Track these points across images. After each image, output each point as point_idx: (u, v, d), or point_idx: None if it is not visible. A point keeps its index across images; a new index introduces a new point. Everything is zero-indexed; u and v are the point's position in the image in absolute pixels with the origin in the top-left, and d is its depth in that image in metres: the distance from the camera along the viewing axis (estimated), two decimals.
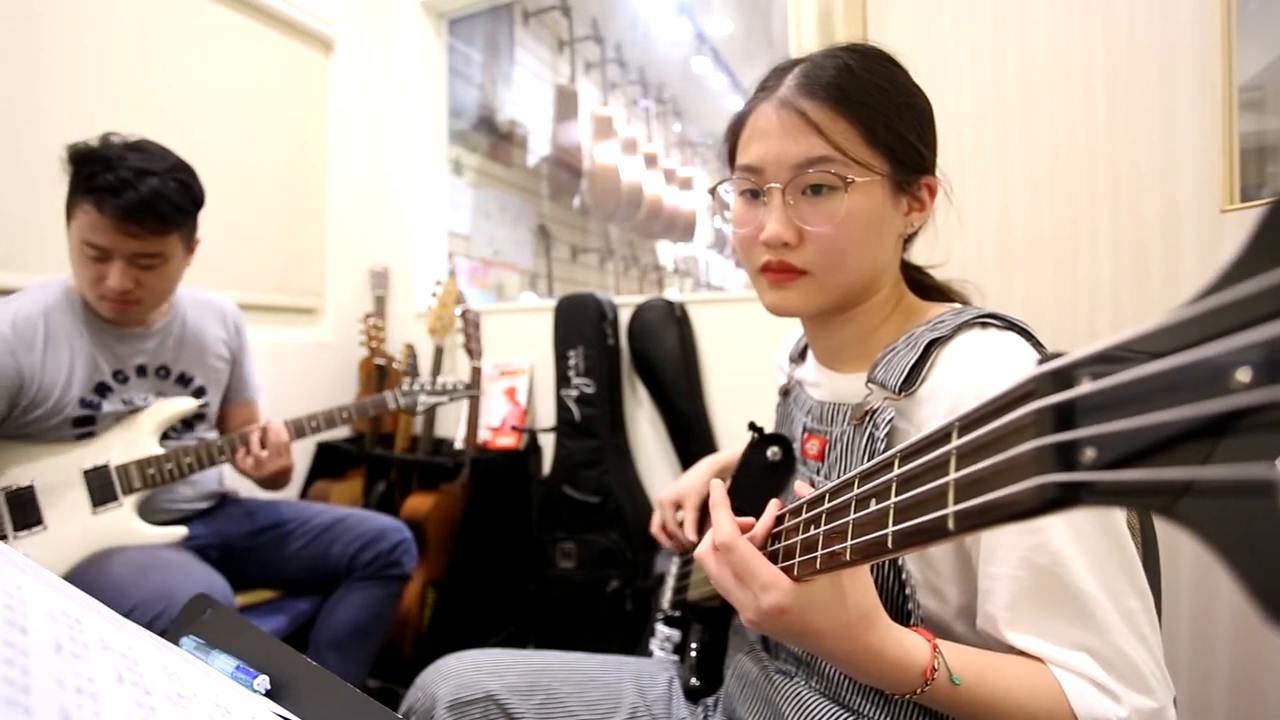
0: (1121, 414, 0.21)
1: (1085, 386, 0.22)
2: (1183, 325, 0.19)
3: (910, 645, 0.47)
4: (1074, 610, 0.48)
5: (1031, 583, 0.49)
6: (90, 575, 1.07)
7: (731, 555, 0.49)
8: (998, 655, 0.50)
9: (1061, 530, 0.48)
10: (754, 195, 0.62)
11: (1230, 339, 0.18)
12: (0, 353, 1.08)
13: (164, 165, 1.13)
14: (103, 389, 1.18)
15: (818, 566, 0.42)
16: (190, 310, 1.34)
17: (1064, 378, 0.24)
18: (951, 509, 0.29)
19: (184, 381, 1.31)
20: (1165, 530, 0.66)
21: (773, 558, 0.48)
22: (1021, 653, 0.50)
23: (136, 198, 1.08)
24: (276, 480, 1.31)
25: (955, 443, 0.30)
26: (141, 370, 1.24)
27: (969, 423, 0.29)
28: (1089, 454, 0.22)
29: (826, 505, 0.43)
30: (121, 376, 1.21)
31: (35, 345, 1.12)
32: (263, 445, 1.24)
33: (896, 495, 0.34)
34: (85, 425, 1.17)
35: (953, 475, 0.30)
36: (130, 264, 1.12)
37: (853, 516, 0.39)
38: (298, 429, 1.29)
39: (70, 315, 1.17)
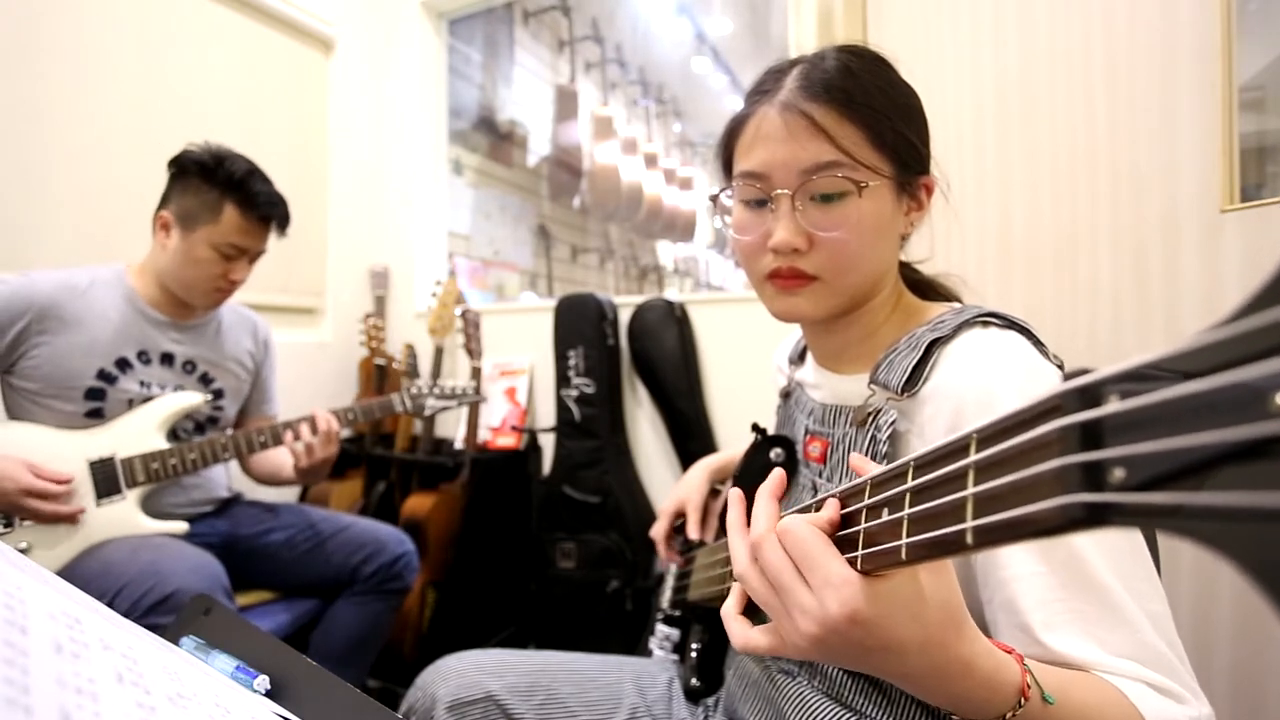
0: (1152, 435, 0.20)
1: (1114, 405, 0.22)
2: (1216, 346, 0.19)
3: (1001, 657, 0.40)
4: (1104, 610, 0.45)
5: (1054, 577, 0.47)
6: (85, 563, 1.08)
7: (789, 538, 0.39)
8: (1060, 668, 0.45)
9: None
10: (759, 203, 0.61)
11: (1268, 362, 0.17)
12: (41, 278, 1.17)
13: (264, 172, 1.27)
14: (123, 364, 1.21)
15: None
16: (227, 316, 1.38)
17: (1091, 395, 0.23)
18: (970, 524, 0.29)
19: (206, 381, 1.33)
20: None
21: None
22: (1063, 661, 0.46)
23: (282, 206, 1.27)
24: (320, 470, 1.32)
25: (973, 456, 0.29)
26: (168, 359, 1.27)
27: (988, 436, 0.29)
28: (1118, 474, 0.21)
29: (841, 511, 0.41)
30: (145, 358, 1.24)
31: (77, 289, 1.19)
32: (313, 431, 1.26)
33: (911, 506, 0.34)
34: (96, 400, 1.18)
35: (971, 489, 0.29)
36: (251, 260, 1.28)
37: (863, 525, 0.38)
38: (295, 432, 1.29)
39: (115, 292, 1.24)
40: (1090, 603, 0.46)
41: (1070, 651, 0.45)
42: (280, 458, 1.38)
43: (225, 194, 1.20)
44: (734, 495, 0.47)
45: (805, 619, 0.38)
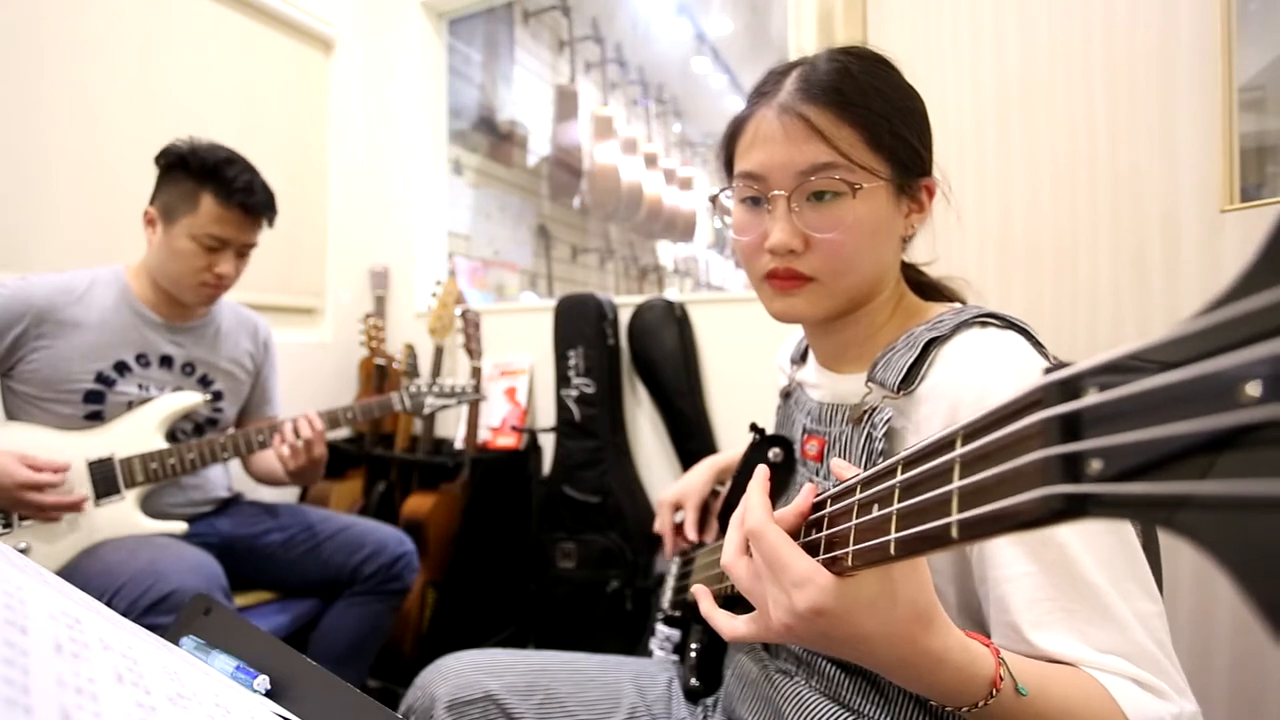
0: (1129, 426, 0.20)
1: (1092, 397, 0.22)
2: (1192, 337, 0.19)
3: (976, 650, 0.43)
4: (1093, 609, 0.46)
5: (1044, 577, 0.47)
6: (84, 563, 1.09)
7: (760, 543, 0.43)
8: (1044, 662, 0.46)
9: (1066, 528, 0.47)
10: (756, 202, 0.62)
11: (1240, 352, 0.17)
12: (39, 282, 1.17)
13: (248, 162, 1.25)
14: (121, 367, 1.21)
15: None
16: (227, 317, 1.38)
17: (1071, 388, 0.23)
18: (955, 517, 0.29)
19: (205, 383, 1.33)
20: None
21: None
22: (1050, 658, 0.47)
23: (263, 195, 1.24)
24: (309, 472, 1.31)
25: (959, 450, 0.30)
26: (167, 361, 1.27)
27: (973, 431, 0.29)
28: (1095, 465, 0.22)
29: (829, 509, 0.42)
30: (144, 361, 1.24)
31: (74, 292, 1.20)
32: (297, 434, 1.25)
33: (899, 501, 0.34)
34: (95, 402, 1.18)
35: (956, 483, 0.29)
36: (237, 254, 1.26)
37: (855, 522, 0.38)
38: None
39: (114, 294, 1.23)
40: (1079, 602, 0.47)
41: (1057, 649, 0.47)
42: (275, 459, 1.38)
43: (201, 183, 1.19)
44: (760, 469, 0.50)
45: (778, 610, 0.42)
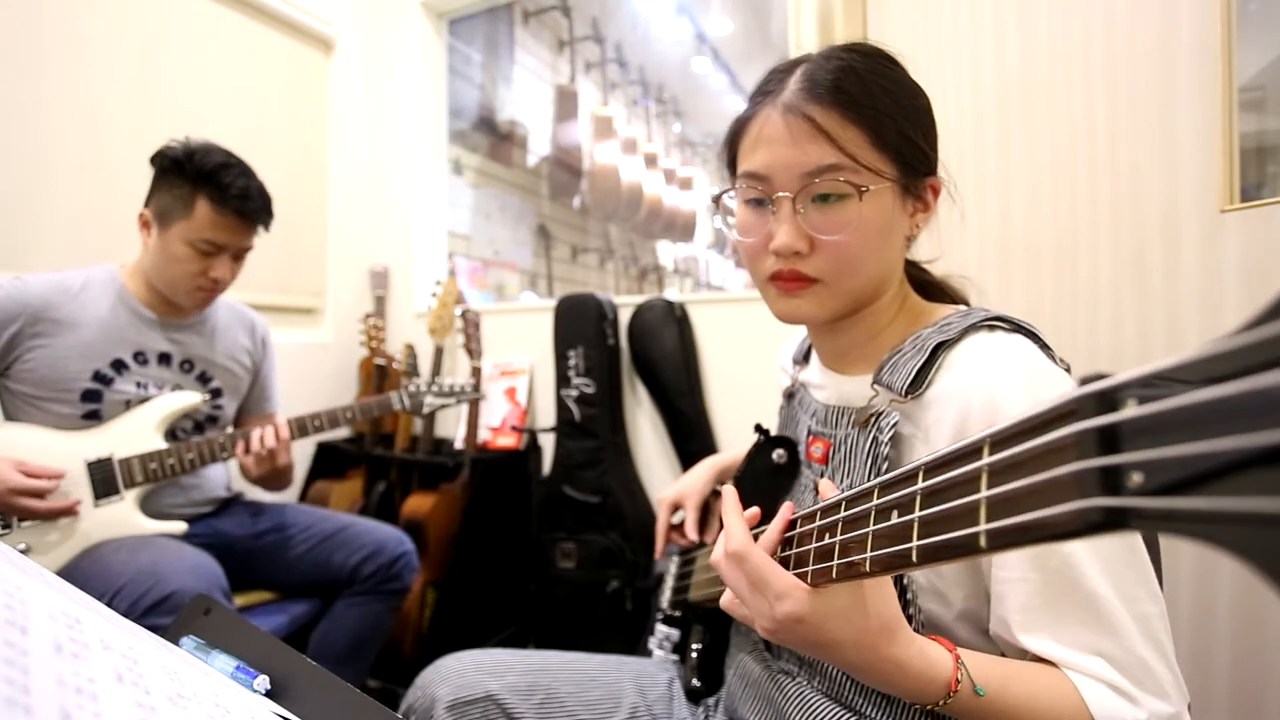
0: (1171, 440, 0.20)
1: (1132, 410, 0.22)
2: (1236, 352, 0.19)
3: (934, 656, 0.47)
4: (1087, 613, 0.47)
5: (1043, 585, 0.48)
6: (84, 563, 1.08)
7: (745, 564, 0.48)
8: (1016, 663, 0.49)
9: None
10: (760, 203, 0.61)
11: None
12: (33, 281, 1.17)
13: (245, 165, 1.24)
14: (119, 365, 1.21)
15: (833, 576, 0.42)
16: (223, 314, 1.37)
17: (1109, 400, 0.23)
18: (984, 527, 0.29)
19: (204, 380, 1.33)
20: None
21: (784, 564, 0.48)
22: (1035, 657, 0.49)
23: (259, 199, 1.23)
24: (275, 479, 1.31)
25: (987, 459, 0.29)
26: (165, 358, 1.27)
27: (1001, 439, 0.29)
28: (1136, 479, 0.21)
29: (843, 514, 0.42)
30: (142, 358, 1.24)
31: (70, 291, 1.19)
32: (262, 441, 1.24)
33: (922, 509, 0.33)
34: (93, 401, 1.18)
35: (984, 492, 0.29)
36: (233, 258, 1.25)
37: (872, 527, 0.38)
38: (300, 427, 1.29)
39: (109, 293, 1.22)
40: (1073, 610, 0.48)
41: (1041, 650, 0.49)
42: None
43: (197, 188, 1.17)
44: (727, 489, 0.55)
45: (761, 618, 0.48)
